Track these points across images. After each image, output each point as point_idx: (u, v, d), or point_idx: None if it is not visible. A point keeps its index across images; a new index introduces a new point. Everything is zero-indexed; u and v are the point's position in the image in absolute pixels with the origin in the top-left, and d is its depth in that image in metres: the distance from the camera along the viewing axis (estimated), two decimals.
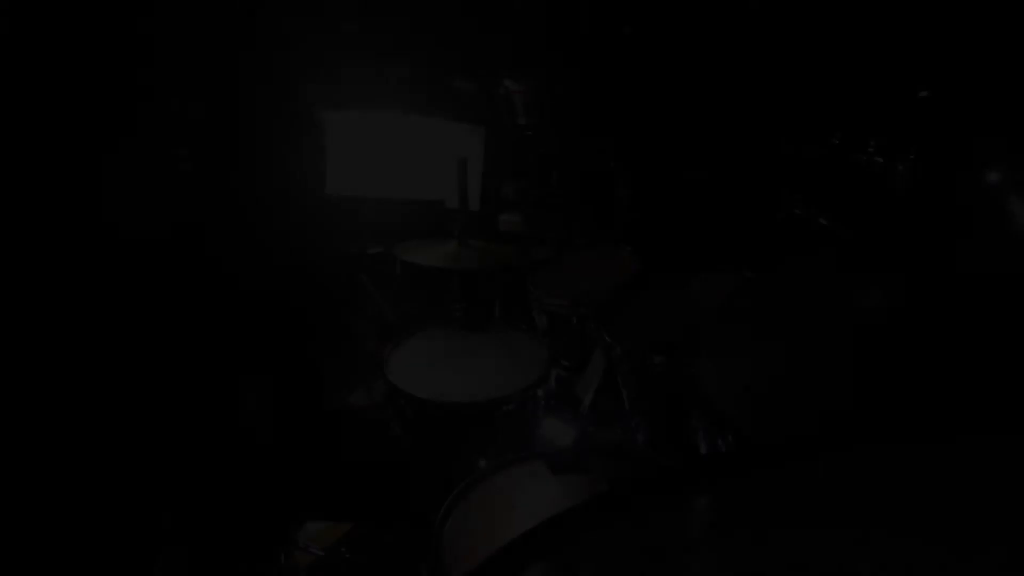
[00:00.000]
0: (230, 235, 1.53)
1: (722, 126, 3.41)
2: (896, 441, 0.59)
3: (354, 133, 2.80)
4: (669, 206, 2.95)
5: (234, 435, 1.56)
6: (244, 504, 1.61)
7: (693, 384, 1.74)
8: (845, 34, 3.25)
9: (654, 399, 1.86)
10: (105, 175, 2.10)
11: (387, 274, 3.08)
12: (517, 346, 2.07)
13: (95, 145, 2.07)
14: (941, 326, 0.92)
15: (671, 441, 1.88)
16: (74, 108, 2.01)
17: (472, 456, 1.77)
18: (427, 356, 2.03)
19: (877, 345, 0.95)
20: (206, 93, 1.67)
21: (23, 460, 1.87)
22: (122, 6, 2.08)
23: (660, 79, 3.79)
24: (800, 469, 0.58)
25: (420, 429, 1.81)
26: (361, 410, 1.91)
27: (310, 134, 1.57)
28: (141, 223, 2.18)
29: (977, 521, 0.53)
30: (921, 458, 0.59)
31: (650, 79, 3.79)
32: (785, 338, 1.03)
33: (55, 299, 1.98)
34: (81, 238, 2.02)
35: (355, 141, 2.79)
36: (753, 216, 2.55)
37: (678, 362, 1.76)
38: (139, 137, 2.26)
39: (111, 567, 1.95)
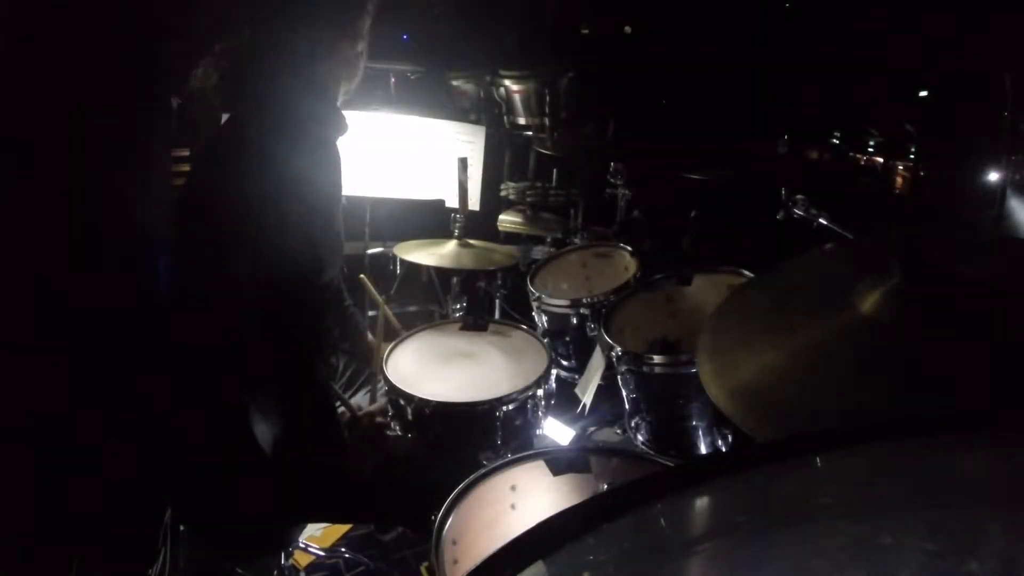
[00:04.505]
0: (233, 235, 1.53)
1: (723, 126, 3.41)
2: (897, 439, 0.59)
3: (354, 133, 2.80)
4: (669, 206, 2.95)
5: (237, 437, 1.56)
6: (245, 504, 1.61)
7: (693, 384, 1.75)
8: (846, 34, 3.25)
9: (654, 399, 1.86)
10: (106, 175, 2.10)
11: (387, 274, 3.09)
12: (517, 346, 2.07)
13: (97, 144, 2.07)
14: (940, 326, 0.92)
15: (671, 441, 1.88)
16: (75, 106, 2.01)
17: (472, 456, 1.77)
18: (427, 356, 2.03)
19: (876, 345, 0.95)
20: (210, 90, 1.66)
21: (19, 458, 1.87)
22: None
23: (661, 79, 3.80)
24: (800, 468, 0.58)
25: (420, 429, 1.81)
26: (362, 412, 1.91)
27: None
28: (144, 222, 2.19)
29: (975, 519, 0.53)
30: (922, 456, 0.59)
31: (650, 79, 3.79)
32: (785, 338, 1.03)
33: (54, 297, 1.98)
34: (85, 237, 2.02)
35: (355, 141, 2.79)
36: (753, 216, 2.54)
37: (678, 362, 1.76)
38: (141, 136, 2.26)
39: (111, 566, 1.95)
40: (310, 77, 1.61)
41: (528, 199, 3.43)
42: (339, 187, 1.58)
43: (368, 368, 2.13)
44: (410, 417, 1.81)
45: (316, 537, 2.26)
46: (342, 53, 1.64)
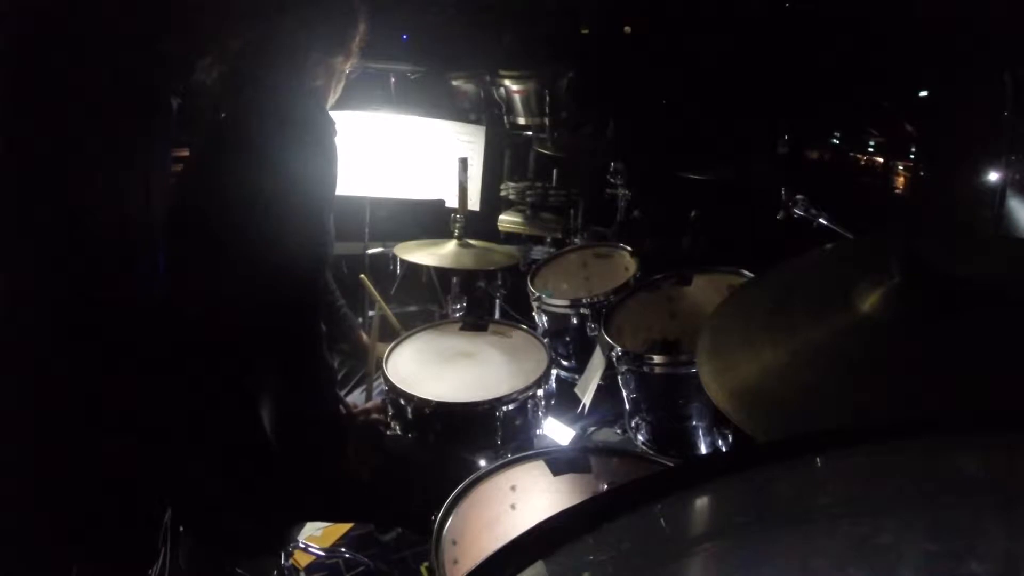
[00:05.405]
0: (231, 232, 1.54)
1: (723, 127, 3.41)
2: (898, 439, 0.59)
3: (354, 133, 2.81)
4: (669, 206, 2.95)
5: (236, 433, 1.56)
6: (244, 504, 1.61)
7: (693, 384, 1.75)
8: (846, 34, 3.25)
9: (654, 399, 1.86)
10: (102, 175, 2.10)
11: (387, 274, 3.09)
12: (517, 346, 2.07)
13: (101, 141, 2.07)
14: (940, 326, 0.92)
15: (671, 441, 1.88)
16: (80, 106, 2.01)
17: (472, 456, 1.77)
18: (427, 356, 2.03)
19: (876, 345, 0.95)
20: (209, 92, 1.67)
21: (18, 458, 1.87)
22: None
23: (661, 79, 3.79)
24: (800, 468, 0.58)
25: (420, 429, 1.81)
26: (357, 409, 1.91)
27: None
28: (139, 219, 2.18)
29: (975, 519, 0.53)
30: (922, 456, 0.59)
31: (650, 79, 3.79)
32: (785, 338, 1.03)
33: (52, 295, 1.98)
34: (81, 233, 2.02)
35: (355, 141, 2.79)
36: (753, 216, 2.54)
37: (678, 362, 1.76)
38: (141, 136, 2.26)
39: (111, 566, 1.95)
40: (306, 81, 1.63)
41: (528, 199, 3.43)
42: (333, 187, 1.59)
43: (364, 367, 2.13)
44: (410, 417, 1.81)
45: (316, 537, 2.27)
46: (333, 63, 1.67)
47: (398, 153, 2.92)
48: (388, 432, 1.87)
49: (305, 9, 1.61)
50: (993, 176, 2.76)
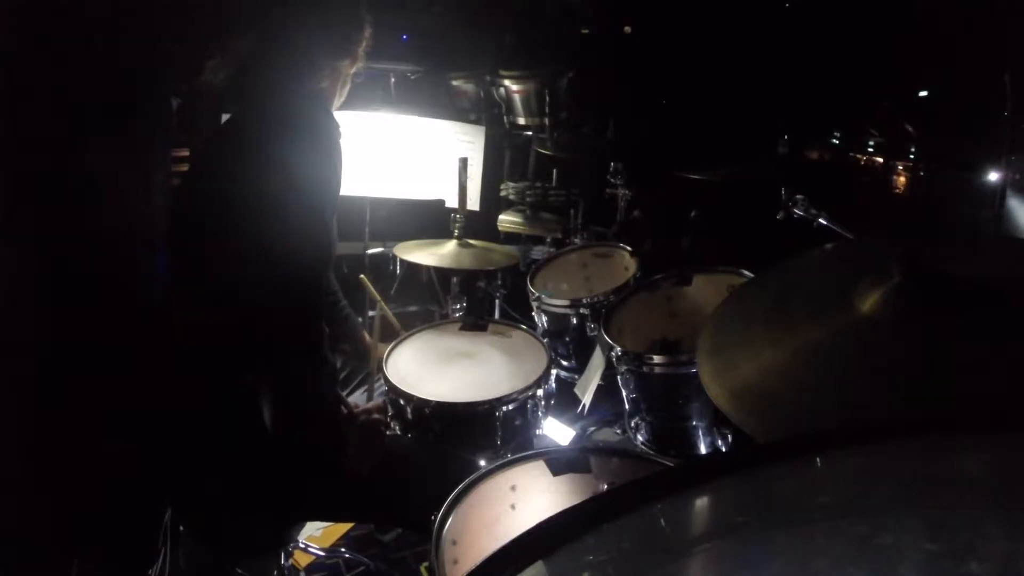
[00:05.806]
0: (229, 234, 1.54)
1: (724, 126, 3.41)
2: (898, 439, 0.59)
3: (354, 133, 2.80)
4: (669, 206, 2.95)
5: (235, 433, 1.56)
6: (244, 504, 1.61)
7: (693, 384, 1.75)
8: (846, 34, 3.25)
9: (654, 399, 1.86)
10: (102, 175, 2.10)
11: (387, 274, 3.08)
12: (517, 346, 2.07)
13: (93, 143, 2.07)
14: (940, 326, 0.92)
15: (671, 441, 1.88)
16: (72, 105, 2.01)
17: (472, 456, 1.77)
18: (427, 356, 2.03)
19: (877, 345, 0.95)
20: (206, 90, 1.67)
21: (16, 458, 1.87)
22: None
23: (661, 79, 3.79)
24: (800, 468, 0.58)
25: (420, 429, 1.81)
26: (359, 409, 1.91)
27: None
28: (137, 223, 2.19)
29: (975, 519, 0.53)
30: (922, 456, 0.59)
31: (651, 79, 3.79)
32: (785, 337, 1.03)
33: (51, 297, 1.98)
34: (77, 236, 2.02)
35: (355, 141, 2.79)
36: (753, 216, 2.54)
37: (678, 362, 1.76)
38: (141, 136, 2.26)
39: (111, 566, 1.95)
40: (311, 84, 1.64)
41: (528, 199, 3.43)
42: (336, 189, 1.59)
43: (366, 368, 2.13)
44: (410, 417, 1.81)
45: (316, 537, 2.26)
46: (339, 67, 1.67)
47: (398, 153, 2.92)
48: (388, 432, 1.87)
49: (311, 13, 1.61)
50: (993, 176, 2.77)
